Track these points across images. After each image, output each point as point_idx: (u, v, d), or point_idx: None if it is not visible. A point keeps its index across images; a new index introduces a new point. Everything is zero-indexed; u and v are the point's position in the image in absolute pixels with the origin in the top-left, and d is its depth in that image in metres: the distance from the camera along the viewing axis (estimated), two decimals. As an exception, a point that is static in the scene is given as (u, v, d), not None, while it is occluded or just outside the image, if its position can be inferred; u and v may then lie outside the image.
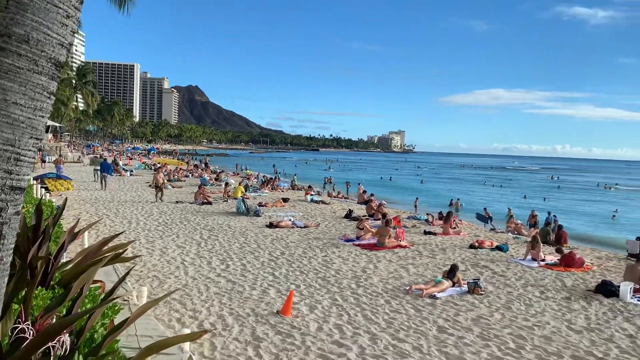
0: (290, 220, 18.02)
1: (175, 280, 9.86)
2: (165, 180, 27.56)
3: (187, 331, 5.73)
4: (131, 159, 64.02)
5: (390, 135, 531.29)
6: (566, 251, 13.51)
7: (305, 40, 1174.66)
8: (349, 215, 20.30)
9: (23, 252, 4.79)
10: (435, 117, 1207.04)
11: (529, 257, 13.29)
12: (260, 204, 22.05)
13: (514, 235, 18.12)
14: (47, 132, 52.40)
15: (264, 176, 41.16)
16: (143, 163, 52.66)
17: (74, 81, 71.10)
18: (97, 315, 3.81)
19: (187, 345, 4.93)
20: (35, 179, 22.38)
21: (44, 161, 40.34)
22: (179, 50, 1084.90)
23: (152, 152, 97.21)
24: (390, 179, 64.19)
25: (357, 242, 14.78)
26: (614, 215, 34.95)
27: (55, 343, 3.18)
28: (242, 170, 55.62)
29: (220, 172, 43.55)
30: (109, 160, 35.44)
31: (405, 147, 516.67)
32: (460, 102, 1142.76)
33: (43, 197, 14.65)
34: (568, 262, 12.61)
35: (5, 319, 3.54)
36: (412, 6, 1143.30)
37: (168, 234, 14.83)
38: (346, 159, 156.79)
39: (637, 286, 10.24)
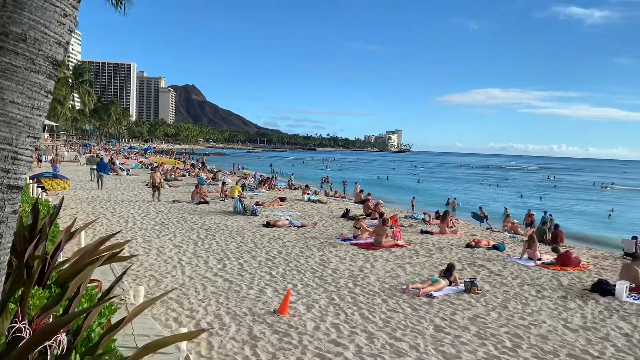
0: (287, 219, 18.02)
1: (172, 279, 9.85)
2: (162, 180, 27.51)
3: (184, 330, 5.70)
4: (128, 158, 63.80)
5: (387, 135, 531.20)
6: (562, 250, 13.57)
7: (305, 40, 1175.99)
8: (346, 215, 20.31)
9: (20, 251, 4.78)
10: (433, 117, 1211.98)
11: (526, 256, 13.32)
12: (257, 204, 22.05)
13: (511, 235, 18.15)
14: (43, 131, 52.18)
15: (261, 175, 41.11)
16: (140, 162, 52.45)
17: (70, 80, 70.95)
18: (94, 315, 3.81)
19: (184, 345, 4.93)
20: (31, 178, 22.32)
21: (40, 160, 40.23)
22: (175, 49, 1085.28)
23: (149, 151, 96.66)
24: (387, 179, 64.32)
25: (354, 242, 14.79)
26: (610, 215, 35.14)
27: (52, 342, 3.17)
28: (239, 169, 55.62)
29: (217, 172, 43.48)
30: (106, 160, 35.31)
31: (402, 147, 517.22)
32: (457, 102, 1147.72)
33: (40, 197, 14.58)
34: (564, 261, 12.66)
35: (1, 319, 3.53)
36: (411, 6, 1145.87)
37: (165, 234, 14.81)
38: (343, 159, 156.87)
39: (633, 285, 10.29)
